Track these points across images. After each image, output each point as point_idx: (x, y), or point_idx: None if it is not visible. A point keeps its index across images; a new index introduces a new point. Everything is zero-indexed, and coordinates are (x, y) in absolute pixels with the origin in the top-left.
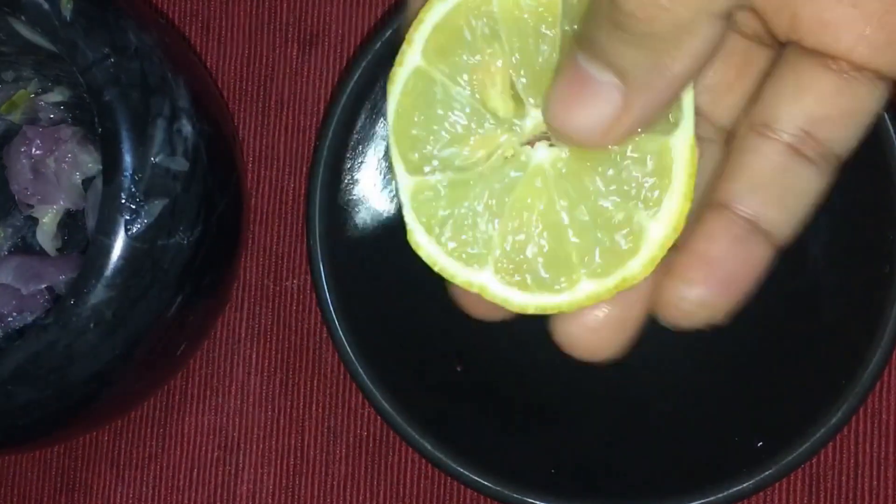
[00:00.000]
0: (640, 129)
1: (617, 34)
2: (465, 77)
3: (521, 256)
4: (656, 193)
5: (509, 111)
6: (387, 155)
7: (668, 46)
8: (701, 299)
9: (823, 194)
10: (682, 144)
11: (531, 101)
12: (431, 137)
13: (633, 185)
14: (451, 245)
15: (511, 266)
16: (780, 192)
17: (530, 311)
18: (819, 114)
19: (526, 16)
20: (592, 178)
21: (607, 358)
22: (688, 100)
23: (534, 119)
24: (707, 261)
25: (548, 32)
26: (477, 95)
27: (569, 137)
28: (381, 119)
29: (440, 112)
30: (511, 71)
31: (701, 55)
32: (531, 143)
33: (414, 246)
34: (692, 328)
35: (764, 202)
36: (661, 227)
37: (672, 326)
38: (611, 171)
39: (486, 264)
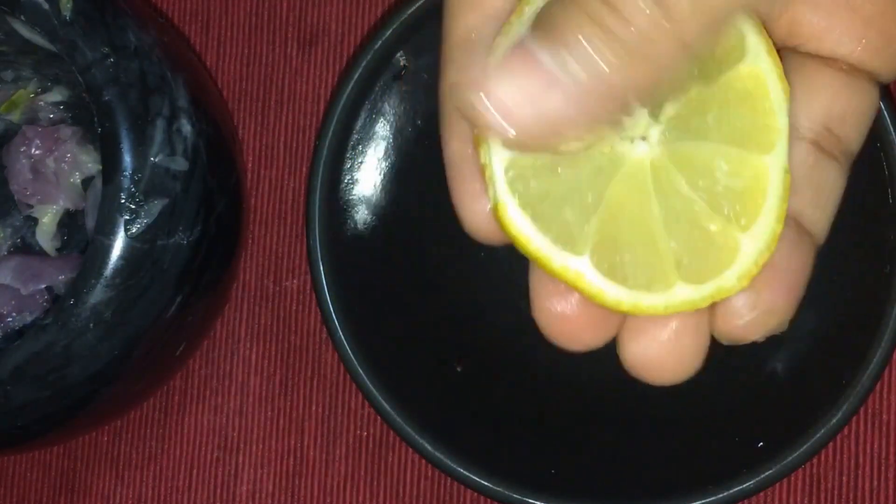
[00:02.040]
0: (569, 138)
1: (595, 32)
2: None
3: (616, 250)
4: (750, 210)
5: None
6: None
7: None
8: (770, 306)
9: (843, 193)
10: (777, 166)
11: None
12: None
13: (727, 198)
14: (547, 224)
15: (607, 257)
16: (814, 190)
17: (623, 308)
18: (836, 110)
19: None
20: (687, 185)
21: (680, 378)
22: (783, 121)
23: (636, 117)
24: (770, 266)
25: None
26: None
27: (495, 118)
28: (381, 118)
29: None
30: None
31: (673, 83)
32: (630, 139)
33: (505, 222)
34: (751, 340)
35: (802, 202)
36: (754, 243)
37: (730, 341)
38: (705, 182)
39: (584, 250)
